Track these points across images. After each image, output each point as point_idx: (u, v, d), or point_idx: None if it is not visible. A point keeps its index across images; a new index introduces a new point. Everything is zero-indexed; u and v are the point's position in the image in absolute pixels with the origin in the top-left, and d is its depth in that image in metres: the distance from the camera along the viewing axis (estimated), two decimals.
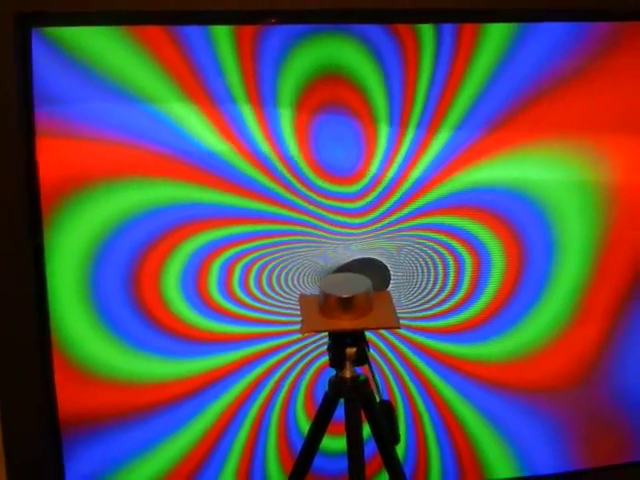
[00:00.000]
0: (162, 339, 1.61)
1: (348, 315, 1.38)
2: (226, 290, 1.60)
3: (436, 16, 1.51)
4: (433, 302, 1.63)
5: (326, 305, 1.38)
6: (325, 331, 1.41)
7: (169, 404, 1.64)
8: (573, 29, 1.53)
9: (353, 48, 1.51)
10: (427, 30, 1.51)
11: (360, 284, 1.40)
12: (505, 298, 1.64)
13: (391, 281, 1.61)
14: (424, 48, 1.51)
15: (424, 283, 1.62)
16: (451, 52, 1.51)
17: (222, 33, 1.48)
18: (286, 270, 1.59)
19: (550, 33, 1.52)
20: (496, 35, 1.51)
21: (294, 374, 1.65)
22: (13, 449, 1.63)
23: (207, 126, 1.52)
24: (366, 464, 1.41)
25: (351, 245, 1.59)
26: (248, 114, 1.52)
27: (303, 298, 1.47)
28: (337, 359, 1.40)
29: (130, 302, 1.59)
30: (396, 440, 1.40)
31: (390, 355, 1.65)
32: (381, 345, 1.64)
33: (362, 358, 1.40)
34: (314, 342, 1.62)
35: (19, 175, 1.50)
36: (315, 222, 1.58)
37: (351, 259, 1.59)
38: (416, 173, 1.56)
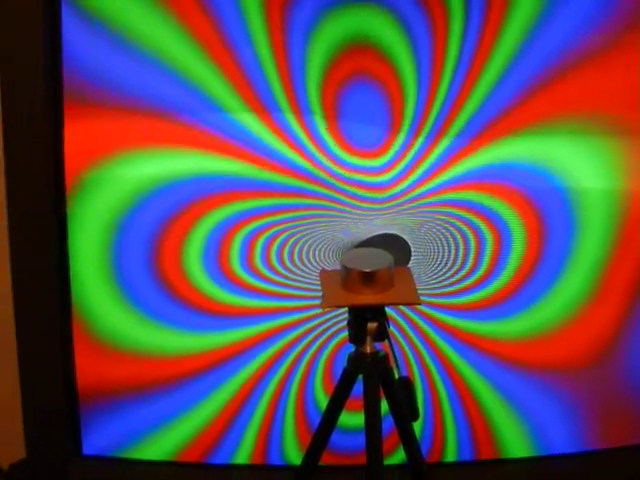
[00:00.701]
0: (183, 312, 1.61)
1: (369, 290, 1.38)
2: (247, 263, 1.60)
3: None
4: (453, 279, 1.63)
5: (347, 279, 1.38)
6: (346, 306, 1.41)
7: (188, 377, 1.65)
8: (603, 1, 1.52)
9: (382, 18, 1.50)
10: (456, 0, 1.51)
11: (382, 259, 1.40)
12: (525, 276, 1.63)
13: (412, 257, 1.61)
14: (453, 18, 1.51)
15: (444, 260, 1.62)
16: (480, 23, 1.51)
17: (251, 2, 1.49)
18: (308, 244, 1.59)
19: (581, 4, 1.52)
20: (526, 6, 1.51)
21: (313, 349, 1.65)
22: (32, 421, 1.64)
23: (234, 97, 1.52)
24: (383, 440, 1.42)
25: (373, 220, 1.59)
26: (276, 85, 1.52)
27: (324, 273, 1.47)
28: (357, 334, 1.41)
29: (152, 274, 1.60)
30: (415, 416, 1.39)
31: (409, 331, 1.65)
32: (400, 321, 1.64)
33: (382, 334, 1.40)
34: (334, 317, 1.62)
35: (45, 144, 1.51)
36: (337, 196, 1.58)
37: (373, 234, 1.60)
38: (440, 148, 1.56)
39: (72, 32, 1.48)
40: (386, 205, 1.58)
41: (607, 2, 1.52)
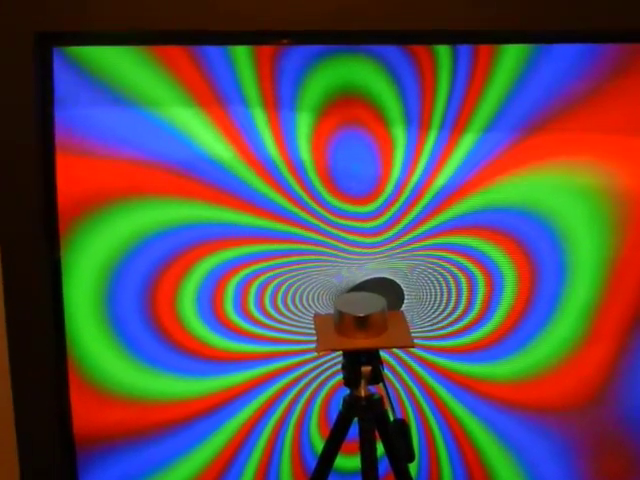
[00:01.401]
0: (177, 357, 1.61)
1: (363, 334, 1.39)
2: (241, 309, 1.61)
3: (453, 37, 1.52)
4: (446, 322, 1.64)
5: (341, 324, 1.39)
6: (340, 350, 1.41)
7: (184, 422, 1.65)
8: (587, 50, 1.53)
9: (371, 68, 1.52)
10: (444, 51, 1.52)
11: (375, 303, 1.41)
12: (517, 318, 1.64)
13: (405, 301, 1.62)
14: (441, 69, 1.52)
15: (437, 303, 1.63)
16: (467, 73, 1.53)
17: (241, 53, 1.50)
18: (301, 289, 1.60)
19: (565, 54, 1.53)
20: (512, 56, 1.52)
21: (308, 393, 1.65)
22: (28, 466, 1.63)
23: (224, 146, 1.54)
24: None
25: (365, 264, 1.60)
26: (266, 134, 1.54)
27: (318, 317, 1.48)
28: (352, 378, 1.41)
29: (146, 320, 1.60)
30: (411, 458, 1.39)
31: (404, 374, 1.65)
32: (394, 364, 1.65)
33: (377, 377, 1.41)
34: (329, 361, 1.62)
35: (38, 192, 1.51)
36: (329, 241, 1.59)
37: (365, 278, 1.61)
38: (430, 194, 1.57)
39: (63, 83, 1.49)
40: (378, 250, 1.59)
41: (590, 50, 1.54)
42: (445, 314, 1.63)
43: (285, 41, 1.50)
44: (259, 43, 1.50)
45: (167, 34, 1.49)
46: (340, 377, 1.44)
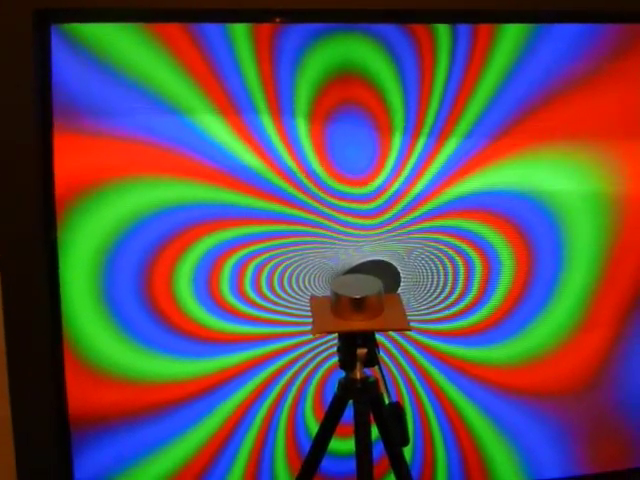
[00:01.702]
0: (173, 338, 1.61)
1: (359, 316, 1.38)
2: (238, 290, 1.60)
3: (452, 16, 1.52)
4: (442, 305, 1.64)
5: (337, 306, 1.39)
6: (336, 332, 1.41)
7: (179, 403, 1.65)
8: (587, 30, 1.54)
9: (370, 47, 1.52)
10: (443, 30, 1.52)
11: (372, 285, 1.41)
12: (513, 302, 1.64)
13: (401, 283, 1.62)
14: (440, 48, 1.52)
15: (433, 286, 1.63)
16: (467, 53, 1.52)
17: (240, 32, 1.49)
18: (297, 271, 1.60)
19: (564, 34, 1.53)
20: (511, 36, 1.52)
21: (304, 375, 1.65)
22: (23, 448, 1.63)
23: (222, 125, 1.53)
24: (374, 466, 1.42)
25: (362, 247, 1.60)
26: (264, 113, 1.53)
27: (314, 299, 1.47)
28: (347, 360, 1.41)
29: (142, 301, 1.60)
30: (405, 442, 1.40)
31: (399, 357, 1.65)
32: (390, 347, 1.65)
33: (372, 359, 1.40)
34: (324, 343, 1.62)
35: (35, 172, 1.51)
36: (327, 223, 1.58)
37: (362, 261, 1.61)
38: (428, 175, 1.57)
39: (61, 61, 1.49)
40: (375, 232, 1.59)
41: (591, 30, 1.53)
42: (442, 297, 1.63)
43: (278, 20, 1.50)
44: (256, 21, 1.50)
45: (166, 11, 1.48)
46: (335, 359, 1.43)
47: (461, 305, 1.64)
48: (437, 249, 1.61)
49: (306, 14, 1.50)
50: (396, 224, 1.59)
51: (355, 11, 1.49)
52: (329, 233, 1.59)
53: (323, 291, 1.60)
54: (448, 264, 1.62)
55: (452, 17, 1.52)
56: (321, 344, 1.63)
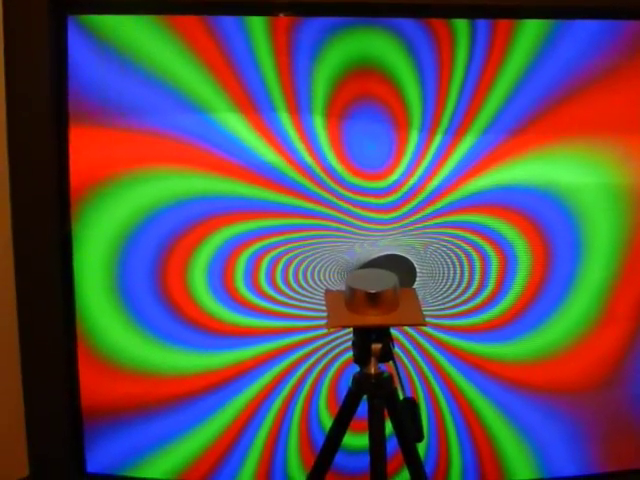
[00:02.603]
0: (187, 331, 1.61)
1: (374, 311, 1.37)
2: (252, 283, 1.60)
3: (471, 11, 1.51)
4: (458, 301, 1.63)
5: (352, 300, 1.38)
6: (351, 326, 1.41)
7: (192, 396, 1.65)
8: (607, 27, 1.52)
9: (387, 42, 1.51)
10: (462, 25, 1.51)
11: (387, 280, 1.40)
12: (530, 298, 1.63)
13: (417, 278, 1.61)
14: (458, 43, 1.51)
15: (450, 281, 1.62)
16: (485, 48, 1.52)
17: (257, 25, 1.49)
18: (313, 265, 1.60)
19: (584, 31, 1.52)
20: (530, 32, 1.51)
21: (318, 369, 1.65)
22: (35, 438, 1.64)
23: (239, 118, 1.53)
24: (387, 461, 1.41)
25: (378, 241, 1.59)
26: (281, 107, 1.53)
27: (329, 293, 1.47)
28: (362, 355, 1.40)
29: (156, 293, 1.60)
30: (420, 437, 1.40)
31: (414, 352, 1.65)
32: (405, 342, 1.64)
33: (387, 354, 1.40)
34: (339, 338, 1.62)
35: (51, 163, 1.51)
36: (343, 217, 1.58)
37: (378, 255, 1.60)
38: (445, 170, 1.56)
39: (78, 53, 1.49)
40: (391, 226, 1.59)
41: (611, 27, 1.52)
42: (457, 293, 1.63)
43: (293, 13, 1.49)
44: (271, 14, 1.50)
45: (183, 3, 1.48)
46: (350, 354, 1.43)
47: (477, 300, 1.63)
48: (453, 244, 1.60)
49: (323, 7, 1.50)
50: (412, 219, 1.58)
51: (373, 5, 1.49)
52: (345, 227, 1.58)
53: (338, 285, 1.60)
54: (464, 259, 1.61)
55: (471, 12, 1.51)
56: (336, 339, 1.62)
